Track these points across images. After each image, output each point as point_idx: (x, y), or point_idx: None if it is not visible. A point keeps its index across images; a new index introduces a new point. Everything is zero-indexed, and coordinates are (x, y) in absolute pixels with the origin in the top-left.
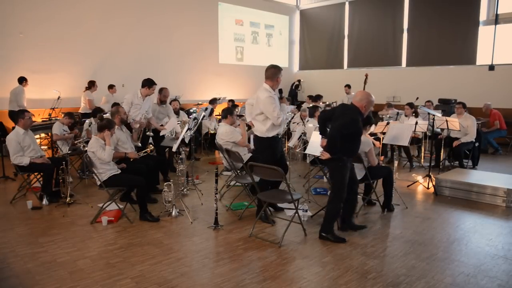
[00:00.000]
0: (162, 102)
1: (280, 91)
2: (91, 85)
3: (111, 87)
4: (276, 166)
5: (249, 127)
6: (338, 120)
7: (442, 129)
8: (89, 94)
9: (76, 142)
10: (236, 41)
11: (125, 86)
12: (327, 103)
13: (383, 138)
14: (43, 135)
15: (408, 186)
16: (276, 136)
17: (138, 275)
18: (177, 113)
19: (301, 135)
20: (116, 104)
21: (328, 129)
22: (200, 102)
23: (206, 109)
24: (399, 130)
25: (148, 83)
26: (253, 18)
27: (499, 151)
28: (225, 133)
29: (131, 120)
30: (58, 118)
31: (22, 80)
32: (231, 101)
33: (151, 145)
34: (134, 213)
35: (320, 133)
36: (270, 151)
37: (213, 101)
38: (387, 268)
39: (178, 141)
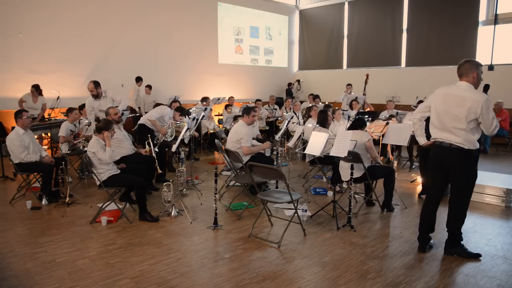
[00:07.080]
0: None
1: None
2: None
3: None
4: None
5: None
6: None
7: None
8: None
9: (75, 142)
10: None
11: (124, 86)
12: (327, 103)
13: (382, 138)
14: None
15: (407, 186)
16: None
17: (138, 275)
18: None
19: (300, 135)
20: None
21: None
22: (199, 102)
23: (206, 109)
24: (399, 130)
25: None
26: (253, 22)
27: (486, 151)
28: (240, 133)
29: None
30: (57, 119)
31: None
32: (259, 100)
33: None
34: (133, 213)
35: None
36: (474, 167)
37: (204, 99)
38: (386, 268)
39: (178, 141)
